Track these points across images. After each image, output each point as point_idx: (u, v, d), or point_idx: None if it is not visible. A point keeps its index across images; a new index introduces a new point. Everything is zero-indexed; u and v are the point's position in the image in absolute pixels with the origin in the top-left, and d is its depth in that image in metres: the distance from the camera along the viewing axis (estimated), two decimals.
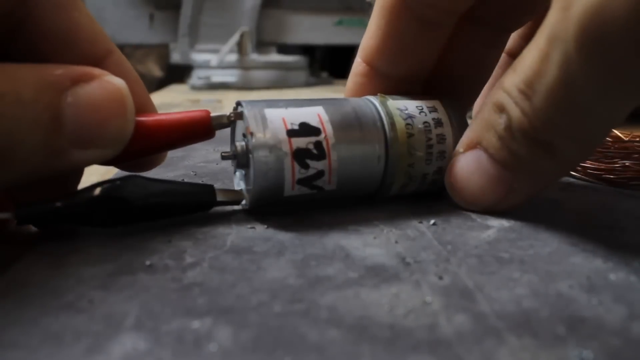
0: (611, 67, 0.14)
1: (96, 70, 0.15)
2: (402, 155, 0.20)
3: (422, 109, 0.20)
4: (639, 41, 0.13)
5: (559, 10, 0.15)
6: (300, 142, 0.18)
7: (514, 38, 0.26)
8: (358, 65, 0.23)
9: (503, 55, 0.25)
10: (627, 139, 0.25)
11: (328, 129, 0.18)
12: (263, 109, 0.18)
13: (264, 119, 0.18)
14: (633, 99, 0.15)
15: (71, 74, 0.15)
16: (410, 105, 0.20)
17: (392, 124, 0.20)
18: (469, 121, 0.21)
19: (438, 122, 0.20)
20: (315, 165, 0.18)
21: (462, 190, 0.20)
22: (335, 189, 0.19)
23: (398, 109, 0.20)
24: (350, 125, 0.19)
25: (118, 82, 0.15)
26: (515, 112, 0.17)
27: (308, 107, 0.19)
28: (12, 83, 0.14)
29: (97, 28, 0.17)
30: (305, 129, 0.18)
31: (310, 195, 0.19)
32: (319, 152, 0.18)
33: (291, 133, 0.18)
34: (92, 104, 0.15)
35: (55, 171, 0.15)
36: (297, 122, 0.18)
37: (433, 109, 0.21)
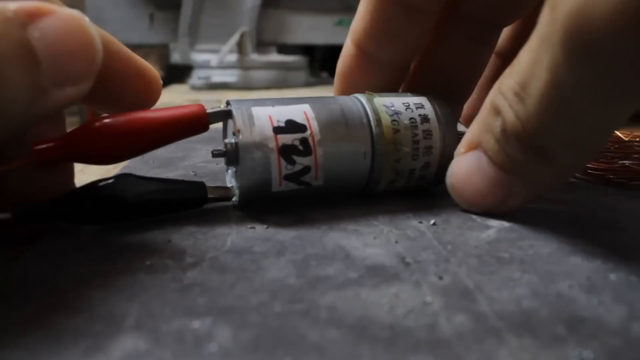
0: (599, 71, 0.13)
1: (48, 5, 0.14)
2: (388, 151, 0.20)
3: (409, 105, 0.21)
4: (623, 44, 0.12)
5: (549, 9, 0.14)
6: (286, 138, 0.18)
7: (504, 38, 0.26)
8: (347, 47, 0.23)
9: (493, 56, 0.25)
10: (627, 139, 0.25)
11: (314, 125, 0.19)
12: (250, 107, 0.19)
13: (250, 117, 0.18)
14: (627, 105, 0.15)
15: (26, 9, 0.13)
16: (397, 102, 0.21)
17: (378, 120, 0.20)
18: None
19: (424, 118, 0.21)
20: (301, 161, 0.18)
21: (463, 192, 0.19)
22: (322, 185, 0.19)
23: (384, 105, 0.20)
24: (337, 122, 0.19)
25: (75, 12, 0.14)
26: (509, 115, 0.16)
27: (295, 104, 0.19)
28: None
29: None
30: (291, 126, 0.19)
31: (298, 191, 0.19)
32: (305, 148, 0.18)
33: (277, 130, 0.18)
34: (59, 37, 0.14)
35: (40, 116, 0.14)
36: (284, 120, 0.19)
37: (420, 106, 0.21)
